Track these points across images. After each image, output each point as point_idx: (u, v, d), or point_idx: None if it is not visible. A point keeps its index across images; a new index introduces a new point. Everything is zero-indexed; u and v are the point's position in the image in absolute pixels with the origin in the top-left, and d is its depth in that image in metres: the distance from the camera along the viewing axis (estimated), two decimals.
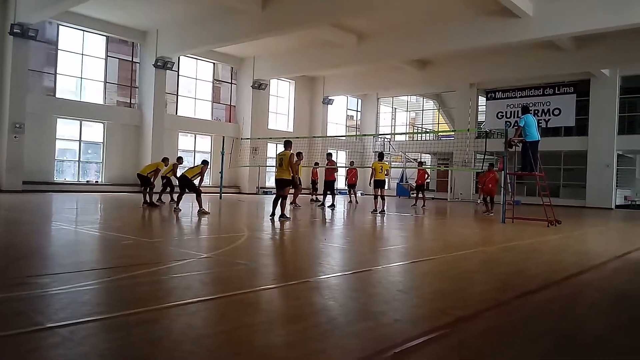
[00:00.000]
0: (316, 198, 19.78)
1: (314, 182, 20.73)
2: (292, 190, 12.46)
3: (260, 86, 26.31)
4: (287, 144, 11.31)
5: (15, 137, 18.26)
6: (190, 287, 4.38)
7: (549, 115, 25.67)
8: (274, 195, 11.38)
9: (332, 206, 16.14)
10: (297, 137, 27.21)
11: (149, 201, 13.45)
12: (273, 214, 10.83)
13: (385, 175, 15.20)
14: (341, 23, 20.33)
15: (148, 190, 13.59)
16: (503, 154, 12.99)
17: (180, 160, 15.15)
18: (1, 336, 2.86)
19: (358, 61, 23.01)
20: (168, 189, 14.46)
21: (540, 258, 7.05)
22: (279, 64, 25.47)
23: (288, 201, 11.54)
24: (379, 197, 14.70)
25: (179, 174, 13.22)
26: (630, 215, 19.78)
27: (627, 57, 20.82)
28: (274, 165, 14.13)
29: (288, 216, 10.92)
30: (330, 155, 18.35)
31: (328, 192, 16.92)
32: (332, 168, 17.44)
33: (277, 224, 10.29)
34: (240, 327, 3.27)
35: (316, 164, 21.69)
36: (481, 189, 16.77)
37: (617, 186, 24.35)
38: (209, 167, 13.00)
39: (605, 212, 21.07)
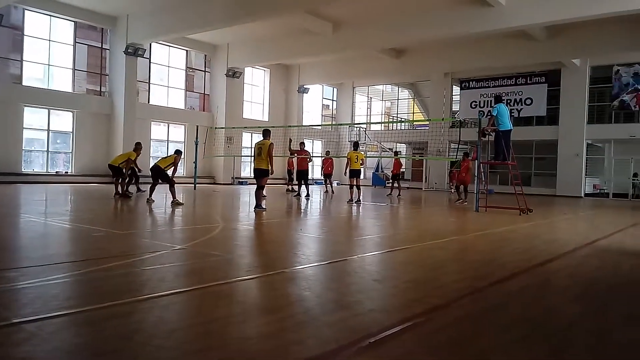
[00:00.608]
0: (292, 188, 19.72)
1: (290, 172, 20.59)
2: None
3: (234, 74, 26.00)
4: (266, 133, 11.15)
5: None
6: (164, 280, 4.30)
7: (521, 104, 26.08)
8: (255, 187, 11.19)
9: (308, 196, 16.11)
10: (273, 127, 27.10)
11: (120, 192, 13.20)
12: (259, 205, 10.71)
13: (361, 164, 15.24)
14: (317, 10, 20.18)
15: (120, 180, 13.34)
16: (476, 143, 13.14)
17: (139, 145, 14.53)
18: None
19: (334, 49, 22.91)
20: (133, 180, 14.15)
21: (513, 246, 7.17)
22: (254, 51, 25.19)
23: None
24: (354, 186, 14.72)
25: (151, 164, 13.04)
26: (599, 203, 20.31)
27: (597, 47, 21.25)
28: (250, 155, 14.02)
29: (264, 207, 10.84)
30: (302, 144, 18.08)
31: (302, 182, 16.80)
32: (304, 158, 17.27)
33: (253, 214, 10.23)
34: (214, 319, 3.23)
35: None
36: (453, 177, 16.92)
37: (586, 175, 24.95)
38: (182, 157, 12.77)
39: (575, 201, 21.58)
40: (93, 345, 2.69)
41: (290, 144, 17.71)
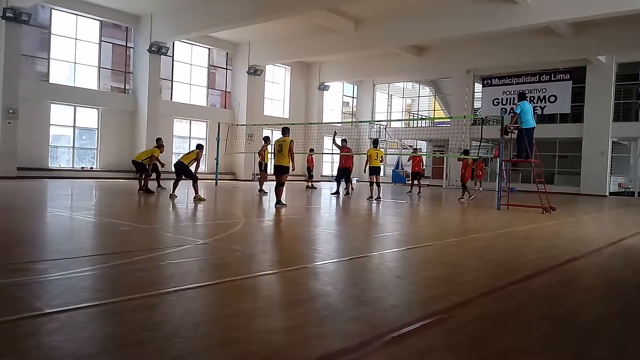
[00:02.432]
0: (311, 185, 19.75)
1: (309, 169, 20.57)
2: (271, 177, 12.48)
3: (255, 72, 26.14)
4: (286, 131, 11.31)
5: (9, 123, 18.10)
6: (189, 273, 4.39)
7: (545, 102, 25.68)
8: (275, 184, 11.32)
9: (348, 194, 15.97)
10: (293, 124, 27.23)
11: (144, 188, 13.40)
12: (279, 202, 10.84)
13: (380, 162, 15.20)
14: (338, 8, 20.16)
15: (144, 176, 13.56)
16: (499, 140, 13.01)
17: (160, 141, 14.78)
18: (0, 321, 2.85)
19: (354, 47, 22.87)
20: (154, 175, 14.39)
21: (535, 244, 7.10)
22: (275, 49, 25.29)
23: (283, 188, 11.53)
24: (374, 184, 14.70)
25: (173, 160, 13.26)
26: (624, 202, 19.91)
27: (623, 43, 20.78)
28: (270, 152, 14.15)
29: (284, 203, 10.93)
30: (345, 141, 17.12)
31: (343, 180, 16.33)
32: (348, 155, 16.58)
33: (273, 210, 10.31)
34: (239, 312, 3.29)
35: (311, 150, 21.62)
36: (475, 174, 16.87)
37: (611, 173, 24.47)
38: (203, 152, 12.93)
39: (599, 199, 21.20)
40: (122, 336, 2.77)
41: (334, 136, 17.22)
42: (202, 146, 13.00)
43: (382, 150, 18.61)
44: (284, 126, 11.72)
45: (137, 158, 13.96)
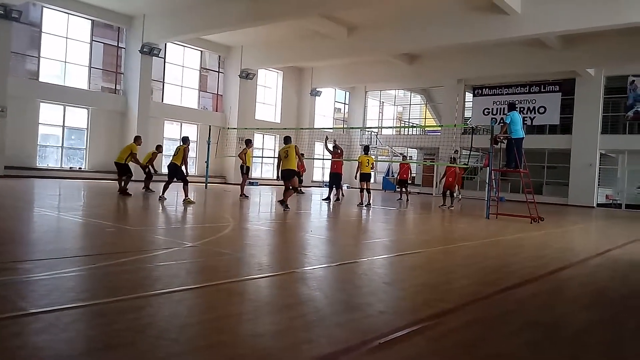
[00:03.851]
0: (300, 190, 19.71)
1: (298, 174, 20.36)
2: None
3: (247, 76, 26.13)
4: (288, 140, 11.69)
5: None
6: (176, 276, 4.35)
7: (534, 113, 25.94)
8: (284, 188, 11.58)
9: (328, 199, 15.88)
10: (285, 128, 27.24)
11: (125, 190, 12.98)
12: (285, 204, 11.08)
13: (371, 168, 15.23)
14: (331, 14, 20.24)
15: (124, 178, 13.17)
16: (488, 150, 13.10)
17: (159, 148, 15.09)
18: None
19: (347, 53, 22.97)
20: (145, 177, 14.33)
21: (523, 254, 7.14)
22: (268, 53, 25.32)
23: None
24: (364, 190, 14.72)
25: (164, 162, 13.13)
26: (611, 214, 20.12)
27: (612, 57, 21.11)
28: (261, 156, 14.12)
29: (288, 207, 11.17)
30: (336, 147, 16.84)
31: (334, 186, 16.17)
32: (339, 160, 16.49)
33: (263, 214, 10.28)
34: (226, 316, 3.27)
35: (301, 154, 21.51)
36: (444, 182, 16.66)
37: (599, 185, 24.73)
38: (189, 145, 12.65)
39: (586, 211, 21.40)
40: (108, 337, 2.74)
41: (326, 141, 17.27)
42: (188, 138, 12.72)
43: (373, 157, 18.61)
44: (286, 135, 12.03)
45: (118, 159, 13.48)
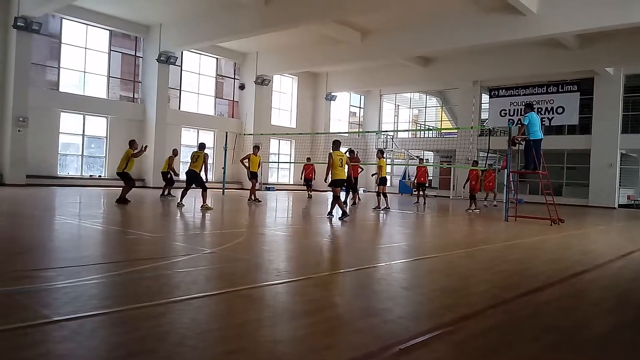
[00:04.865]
0: (310, 195, 19.78)
1: (307, 180, 20.31)
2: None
3: (263, 82, 26.29)
4: (338, 144, 11.21)
5: (19, 130, 18.29)
6: (196, 282, 4.39)
7: (553, 113, 25.62)
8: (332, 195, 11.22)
9: (354, 204, 15.83)
10: (300, 133, 27.39)
11: (122, 197, 12.36)
12: (345, 213, 10.80)
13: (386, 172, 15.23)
14: (345, 19, 20.28)
15: (125, 186, 12.61)
16: (506, 152, 12.97)
17: (175, 152, 15.28)
18: (7, 329, 2.86)
19: (361, 58, 22.96)
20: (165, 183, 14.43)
21: (544, 256, 7.05)
22: (282, 59, 25.44)
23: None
24: (381, 194, 14.69)
25: (184, 169, 13.18)
26: (633, 215, 19.75)
27: (632, 55, 20.73)
28: (277, 161, 14.12)
29: (334, 214, 11.01)
30: (352, 152, 16.96)
31: (349, 190, 16.18)
32: (356, 165, 16.65)
33: (280, 220, 10.31)
34: (245, 322, 3.28)
35: (308, 159, 21.49)
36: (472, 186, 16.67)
37: (620, 185, 24.31)
38: (210, 160, 12.80)
39: (608, 212, 21.04)
40: (130, 344, 2.77)
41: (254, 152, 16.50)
42: (204, 145, 12.97)
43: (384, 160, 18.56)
44: (335, 139, 11.55)
45: (119, 169, 12.97)
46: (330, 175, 11.07)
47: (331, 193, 11.06)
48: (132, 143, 13.32)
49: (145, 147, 13.92)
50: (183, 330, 3.03)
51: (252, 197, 15.54)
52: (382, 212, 13.90)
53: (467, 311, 3.81)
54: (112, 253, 5.96)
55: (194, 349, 2.72)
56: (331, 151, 11.11)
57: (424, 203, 18.69)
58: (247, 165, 15.78)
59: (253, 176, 15.81)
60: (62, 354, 2.58)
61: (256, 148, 16.16)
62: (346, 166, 11.23)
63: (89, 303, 3.55)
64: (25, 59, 18.41)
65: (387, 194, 15.08)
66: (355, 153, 16.97)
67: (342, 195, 16.17)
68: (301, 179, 20.50)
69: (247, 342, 2.90)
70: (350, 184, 16.24)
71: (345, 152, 16.64)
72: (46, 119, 19.68)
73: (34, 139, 18.89)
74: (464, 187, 19.02)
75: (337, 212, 10.97)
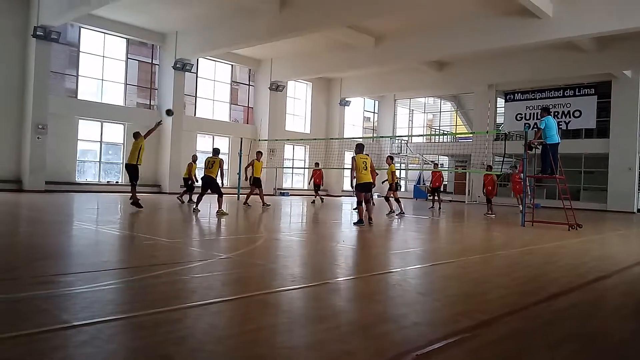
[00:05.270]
0: (314, 199, 19.80)
1: (316, 185, 20.31)
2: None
3: (277, 88, 26.43)
4: (360, 147, 11.05)
5: (38, 138, 18.62)
6: (212, 287, 4.42)
7: (569, 117, 25.34)
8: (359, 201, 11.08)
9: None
10: (315, 139, 27.44)
11: (135, 199, 12.09)
12: (361, 221, 10.71)
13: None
14: (358, 25, 20.32)
15: (133, 184, 12.28)
16: (522, 156, 12.85)
17: (194, 158, 15.44)
18: (26, 334, 2.90)
19: (375, 63, 22.97)
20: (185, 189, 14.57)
21: (562, 262, 6.96)
22: (296, 65, 25.55)
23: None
24: (390, 199, 14.70)
25: (200, 174, 13.25)
26: None
27: None
28: (291, 167, 14.14)
29: (372, 220, 10.86)
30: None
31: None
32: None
33: (294, 225, 10.32)
34: (262, 327, 3.30)
35: (316, 164, 21.49)
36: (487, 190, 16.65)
37: (639, 190, 23.91)
38: (225, 167, 12.83)
39: (627, 216, 20.70)
40: (148, 349, 2.80)
41: (257, 156, 16.43)
42: (218, 150, 13.01)
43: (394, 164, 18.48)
44: (359, 143, 11.38)
45: (131, 160, 12.29)
46: (355, 179, 10.83)
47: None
48: (137, 135, 12.70)
49: (160, 122, 13.62)
50: (200, 336, 3.05)
51: (263, 202, 15.56)
52: (396, 217, 13.84)
53: (485, 317, 3.78)
54: (129, 258, 6.03)
55: (211, 355, 2.74)
56: (354, 155, 10.93)
57: (439, 208, 18.58)
58: (250, 174, 15.56)
59: (256, 182, 15.60)
60: (81, 358, 2.61)
61: (259, 153, 16.17)
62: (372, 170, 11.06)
63: (107, 308, 3.59)
64: (44, 68, 18.76)
65: (400, 199, 15.02)
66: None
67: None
68: (309, 184, 20.44)
69: (264, 348, 2.91)
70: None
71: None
72: (65, 126, 20.01)
73: (52, 146, 19.21)
74: (483, 192, 18.75)
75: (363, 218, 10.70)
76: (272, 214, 13.67)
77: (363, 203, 10.86)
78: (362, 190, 10.76)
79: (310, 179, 20.30)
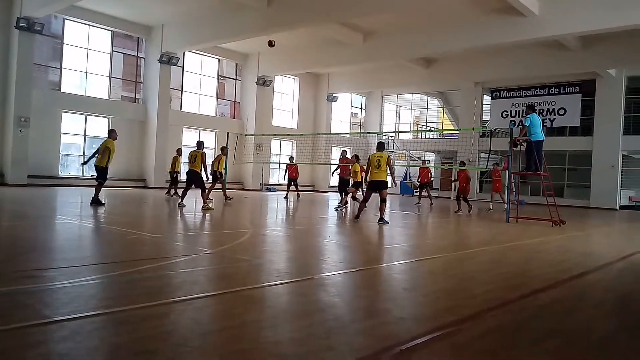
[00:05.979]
0: (297, 194, 19.71)
1: (291, 180, 20.09)
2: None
3: (264, 83, 26.30)
4: (382, 146, 10.92)
5: (20, 131, 18.31)
6: (197, 283, 4.39)
7: (554, 114, 25.61)
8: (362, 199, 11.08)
9: (347, 204, 15.86)
10: (302, 134, 27.39)
11: (97, 199, 11.75)
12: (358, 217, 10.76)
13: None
14: (347, 21, 20.29)
15: (98, 183, 12.05)
16: (507, 153, 12.96)
17: (179, 151, 15.22)
18: (8, 329, 2.86)
19: (363, 59, 22.97)
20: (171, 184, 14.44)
21: (545, 258, 7.04)
22: (284, 60, 25.44)
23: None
24: (349, 195, 14.90)
25: (184, 169, 13.13)
26: (635, 216, 19.73)
27: (634, 57, 20.76)
28: (278, 162, 14.07)
29: (387, 220, 10.62)
30: (345, 152, 17.08)
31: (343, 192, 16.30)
32: (346, 166, 16.74)
33: (280, 221, 10.30)
34: (246, 323, 3.28)
35: (290, 158, 21.35)
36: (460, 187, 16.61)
37: (621, 187, 24.28)
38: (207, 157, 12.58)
39: (609, 213, 21.01)
40: (131, 344, 2.77)
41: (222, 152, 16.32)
42: (202, 143, 12.76)
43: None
44: (379, 141, 11.27)
45: (102, 162, 12.26)
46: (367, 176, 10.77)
47: (380, 199, 10.60)
48: (111, 133, 12.55)
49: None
50: (184, 331, 3.03)
51: (225, 196, 15.42)
52: (341, 209, 13.92)
53: (468, 313, 3.81)
54: (112, 253, 5.96)
55: (196, 350, 2.72)
56: (377, 152, 10.77)
57: (431, 203, 18.73)
58: (216, 167, 15.21)
59: (217, 176, 15.15)
60: (62, 353, 2.58)
61: (225, 148, 16.05)
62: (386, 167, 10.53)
63: (90, 303, 3.55)
64: (27, 60, 18.42)
65: (357, 198, 14.88)
66: (345, 154, 17.15)
67: (359, 195, 16.30)
68: (284, 179, 20.17)
69: (248, 343, 2.90)
70: (342, 186, 16.32)
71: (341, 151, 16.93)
72: (48, 119, 19.70)
73: (35, 139, 18.90)
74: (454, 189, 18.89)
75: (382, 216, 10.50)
76: (260, 210, 13.62)
77: (367, 201, 11.01)
78: (371, 188, 10.70)
79: (285, 173, 20.01)
